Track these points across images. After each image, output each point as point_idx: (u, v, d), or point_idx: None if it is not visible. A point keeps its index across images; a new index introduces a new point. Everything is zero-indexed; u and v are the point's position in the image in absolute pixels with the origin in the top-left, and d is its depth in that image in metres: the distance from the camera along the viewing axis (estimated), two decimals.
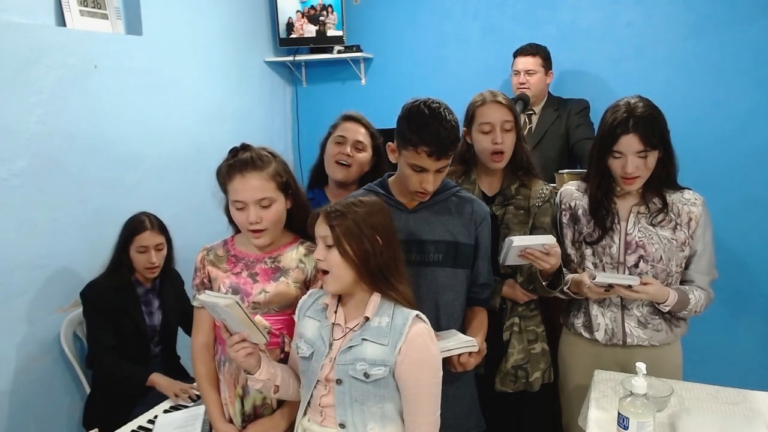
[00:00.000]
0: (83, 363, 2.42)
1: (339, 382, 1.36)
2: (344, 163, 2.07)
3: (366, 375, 1.33)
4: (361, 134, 2.10)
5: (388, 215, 1.42)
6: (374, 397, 1.35)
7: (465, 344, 1.57)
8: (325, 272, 1.38)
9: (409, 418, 1.38)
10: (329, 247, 1.35)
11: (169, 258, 2.42)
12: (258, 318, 1.54)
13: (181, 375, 2.39)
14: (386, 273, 1.36)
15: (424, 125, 1.52)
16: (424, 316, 1.38)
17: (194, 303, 1.67)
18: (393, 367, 1.33)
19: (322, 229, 1.37)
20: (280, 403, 1.62)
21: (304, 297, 1.52)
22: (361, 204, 1.38)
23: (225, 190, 1.60)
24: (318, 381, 1.40)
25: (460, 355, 1.58)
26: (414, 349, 1.33)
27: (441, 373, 1.39)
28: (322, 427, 1.41)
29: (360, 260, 1.34)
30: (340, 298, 1.43)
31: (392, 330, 1.34)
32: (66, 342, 2.40)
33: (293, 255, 1.62)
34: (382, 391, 1.35)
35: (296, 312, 1.51)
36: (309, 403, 1.44)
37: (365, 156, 2.10)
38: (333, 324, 1.41)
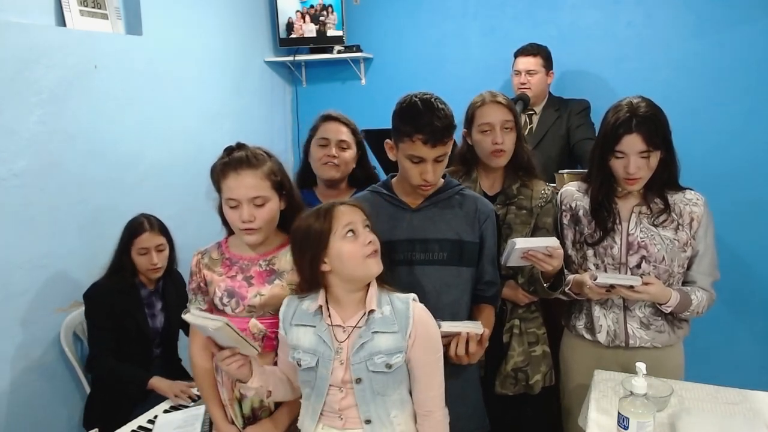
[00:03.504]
0: (83, 363, 2.42)
1: (358, 381, 1.37)
2: (333, 163, 2.07)
3: (388, 366, 1.36)
4: (343, 133, 2.10)
5: None
6: (393, 385, 1.39)
7: (469, 324, 1.57)
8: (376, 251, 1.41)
9: (421, 396, 1.42)
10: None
11: (172, 259, 2.41)
12: (253, 321, 1.52)
13: (182, 376, 2.38)
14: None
15: (417, 115, 1.54)
16: (416, 296, 1.45)
17: (185, 317, 1.63)
18: (406, 351, 1.37)
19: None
20: (278, 404, 1.62)
21: (282, 308, 1.48)
22: None
23: (219, 189, 1.58)
24: (331, 386, 1.39)
25: (457, 346, 1.56)
26: (422, 329, 1.39)
27: (441, 344, 1.46)
28: (345, 431, 1.41)
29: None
30: (327, 300, 1.43)
31: (398, 316, 1.38)
32: (66, 342, 2.40)
33: (288, 257, 1.59)
34: (399, 377, 1.39)
35: (280, 325, 1.47)
36: (322, 412, 1.42)
37: (351, 153, 2.11)
38: (332, 326, 1.40)
